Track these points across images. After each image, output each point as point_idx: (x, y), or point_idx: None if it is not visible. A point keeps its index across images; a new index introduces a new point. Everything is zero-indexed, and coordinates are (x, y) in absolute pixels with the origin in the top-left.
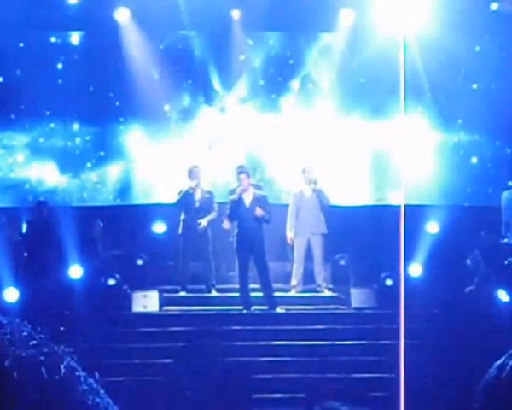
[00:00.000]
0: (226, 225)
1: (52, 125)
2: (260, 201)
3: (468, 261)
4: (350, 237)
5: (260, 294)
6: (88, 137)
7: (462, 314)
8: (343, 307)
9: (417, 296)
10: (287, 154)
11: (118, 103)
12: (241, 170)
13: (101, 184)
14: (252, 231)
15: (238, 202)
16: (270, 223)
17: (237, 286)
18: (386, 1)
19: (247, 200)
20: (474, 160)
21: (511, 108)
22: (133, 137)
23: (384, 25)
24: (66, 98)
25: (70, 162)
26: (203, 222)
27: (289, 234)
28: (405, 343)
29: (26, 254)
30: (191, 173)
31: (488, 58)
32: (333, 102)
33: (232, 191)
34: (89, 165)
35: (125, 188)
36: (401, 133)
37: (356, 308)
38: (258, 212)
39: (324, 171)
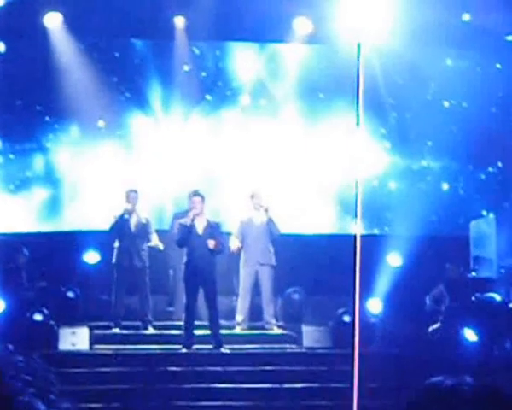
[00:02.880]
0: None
1: None
2: (214, 228)
3: (430, 298)
4: (304, 268)
5: (202, 331)
6: (12, 156)
7: (425, 355)
8: (294, 346)
9: (376, 335)
10: (234, 177)
11: (47, 118)
12: (194, 192)
13: (26, 208)
14: (203, 260)
15: (189, 228)
16: (221, 254)
17: (177, 323)
18: (344, 9)
19: (200, 226)
20: (445, 186)
21: (486, 129)
22: (63, 155)
23: (343, 35)
24: None
25: None
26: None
27: (234, 241)
28: (360, 387)
29: None
30: (128, 197)
31: (460, 74)
32: (288, 120)
33: (178, 215)
34: (11, 187)
35: (53, 213)
36: (360, 156)
37: (308, 348)
38: (212, 244)
39: (276, 196)
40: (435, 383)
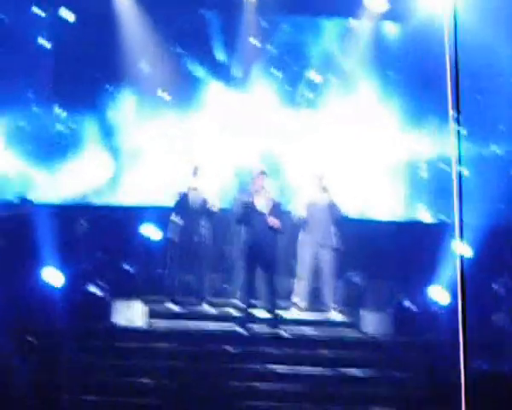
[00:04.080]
0: (275, 222)
1: (34, 108)
2: (275, 207)
3: (496, 287)
4: (368, 253)
5: (260, 311)
6: (73, 125)
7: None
8: (352, 330)
9: (442, 323)
10: (299, 156)
11: (110, 88)
12: (257, 170)
13: (85, 178)
14: (263, 238)
15: (250, 205)
16: (282, 233)
17: (233, 301)
18: None
19: (261, 204)
20: None
21: None
22: (124, 126)
23: (420, 10)
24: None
25: (49, 153)
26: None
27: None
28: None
29: None
30: (193, 173)
31: None
32: (357, 99)
33: (241, 192)
34: (71, 156)
35: (113, 184)
36: (438, 142)
37: (366, 333)
38: (274, 222)
39: (342, 178)
40: None
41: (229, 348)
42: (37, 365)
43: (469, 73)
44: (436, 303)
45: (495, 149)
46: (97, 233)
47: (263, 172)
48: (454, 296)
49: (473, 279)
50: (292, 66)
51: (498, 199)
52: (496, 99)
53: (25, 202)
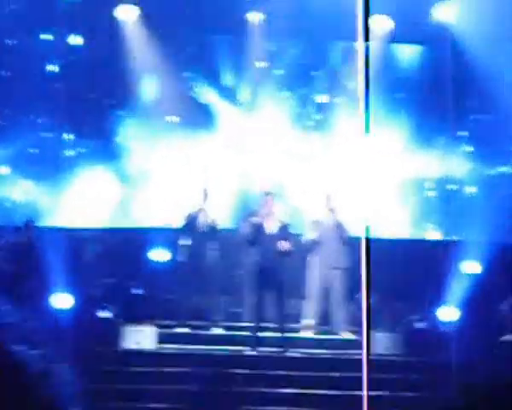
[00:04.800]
0: (285, 245)
1: (43, 134)
2: (284, 229)
3: (505, 307)
4: (377, 273)
5: (269, 333)
6: (83, 150)
7: (500, 365)
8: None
9: (448, 343)
10: (307, 177)
11: (120, 112)
12: (266, 192)
13: (96, 203)
14: (273, 260)
15: (260, 227)
16: (291, 256)
17: (243, 324)
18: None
19: (271, 226)
20: None
21: None
22: (135, 151)
23: (427, 32)
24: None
25: (57, 178)
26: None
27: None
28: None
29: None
30: (203, 194)
31: None
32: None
33: (248, 214)
34: (82, 181)
35: (122, 209)
36: (446, 162)
37: (377, 354)
38: (284, 245)
39: (352, 198)
40: None
41: (239, 370)
42: (47, 389)
43: (477, 93)
44: (446, 323)
45: (503, 168)
46: (107, 257)
47: (272, 194)
48: (463, 315)
49: (481, 297)
50: (299, 88)
51: (507, 217)
52: (504, 119)
53: (33, 226)
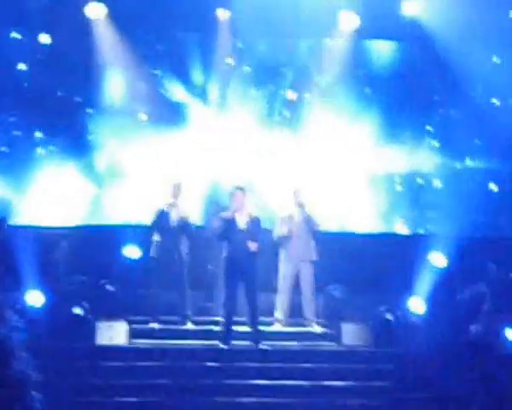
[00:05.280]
0: (253, 246)
1: (13, 132)
2: (255, 223)
3: (467, 296)
4: (346, 266)
5: (243, 327)
6: (52, 148)
7: (464, 356)
8: (333, 343)
9: (417, 334)
10: (276, 172)
11: (89, 110)
12: (236, 187)
13: (66, 201)
14: (244, 255)
15: (230, 222)
16: (262, 252)
17: (215, 318)
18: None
19: (241, 221)
20: (493, 187)
21: None
22: (104, 148)
23: (388, 28)
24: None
25: (29, 176)
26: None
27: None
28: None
29: None
30: (171, 190)
31: (509, 70)
32: (333, 115)
33: (219, 209)
34: (51, 180)
35: (93, 207)
36: (406, 155)
37: (347, 346)
38: (254, 246)
39: (320, 193)
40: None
41: (212, 364)
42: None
43: (444, 89)
44: (414, 314)
45: (470, 163)
46: (79, 254)
47: (242, 189)
48: (430, 307)
49: (447, 289)
50: (268, 84)
51: (474, 211)
52: (471, 113)
53: (5, 225)
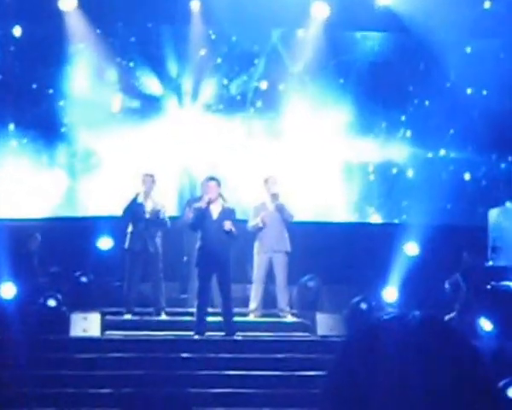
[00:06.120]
0: (227, 224)
1: None
2: (228, 214)
3: (447, 285)
4: (320, 256)
5: (217, 318)
6: (25, 141)
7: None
8: (307, 334)
9: None
10: (249, 162)
11: (61, 103)
12: (210, 177)
13: (39, 193)
14: (218, 245)
15: (204, 212)
16: (236, 240)
17: (190, 310)
18: None
19: (215, 211)
20: (467, 176)
21: (508, 118)
22: (78, 140)
23: (361, 18)
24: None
25: (2, 168)
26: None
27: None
28: None
29: None
30: (143, 181)
31: (482, 60)
32: (306, 105)
33: (192, 200)
34: (25, 172)
35: (67, 199)
36: (380, 145)
37: (322, 336)
38: (228, 224)
39: (292, 182)
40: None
41: (185, 354)
42: None
43: (418, 79)
44: (388, 303)
45: (444, 152)
46: (52, 246)
47: (216, 180)
48: (404, 295)
49: (419, 276)
50: (241, 75)
51: (447, 200)
52: (445, 104)
53: None
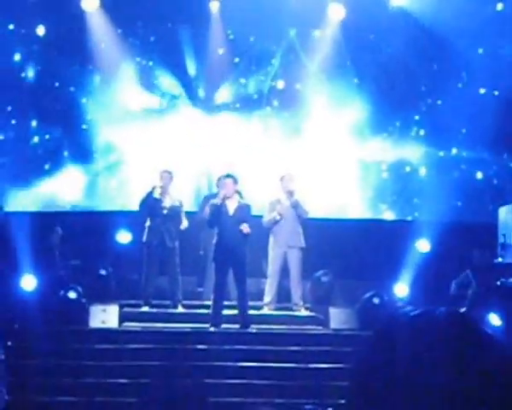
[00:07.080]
0: (245, 228)
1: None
2: (244, 210)
3: (456, 283)
4: (334, 252)
5: (232, 311)
6: (48, 136)
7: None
8: (320, 327)
9: None
10: (266, 161)
11: (83, 100)
12: (226, 174)
13: (61, 187)
14: (234, 241)
15: (220, 208)
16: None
17: (206, 303)
18: None
19: (231, 207)
20: (479, 174)
21: None
22: (100, 136)
23: (376, 20)
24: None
25: (26, 164)
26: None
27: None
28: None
29: None
30: (161, 177)
31: (494, 61)
32: (322, 104)
33: (209, 196)
34: (47, 166)
35: (87, 193)
36: (393, 144)
37: (334, 329)
38: (245, 228)
39: (309, 180)
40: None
41: (201, 346)
42: (16, 368)
43: (431, 79)
44: (400, 298)
45: (456, 151)
46: (73, 239)
47: (232, 177)
48: (416, 291)
49: (431, 273)
50: (258, 74)
51: (459, 198)
52: (458, 103)
53: (1, 211)
